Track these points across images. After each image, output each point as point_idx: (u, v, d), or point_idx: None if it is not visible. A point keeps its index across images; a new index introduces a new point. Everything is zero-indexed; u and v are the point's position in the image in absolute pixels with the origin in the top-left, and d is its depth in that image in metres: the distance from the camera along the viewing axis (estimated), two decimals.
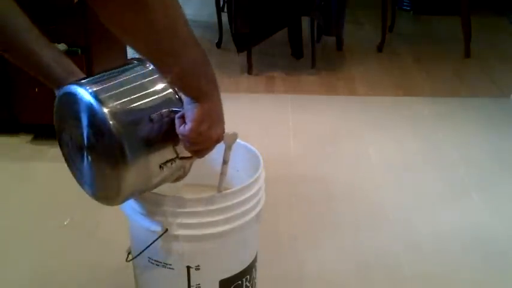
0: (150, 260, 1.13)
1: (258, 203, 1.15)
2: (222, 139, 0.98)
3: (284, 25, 3.19)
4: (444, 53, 3.49)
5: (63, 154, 1.06)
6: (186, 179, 1.09)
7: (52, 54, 1.07)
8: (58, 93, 1.01)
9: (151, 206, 1.08)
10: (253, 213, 1.13)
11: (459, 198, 2.02)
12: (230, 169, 1.13)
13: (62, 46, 2.06)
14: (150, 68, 1.00)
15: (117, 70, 1.02)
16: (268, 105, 2.74)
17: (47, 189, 2.04)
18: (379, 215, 1.92)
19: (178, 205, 1.07)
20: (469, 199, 2.01)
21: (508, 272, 1.67)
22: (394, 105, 2.77)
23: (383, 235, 1.82)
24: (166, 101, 0.98)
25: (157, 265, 1.13)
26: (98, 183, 1.00)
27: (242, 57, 3.12)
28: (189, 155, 1.00)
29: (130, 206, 1.12)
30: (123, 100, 0.95)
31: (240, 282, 1.19)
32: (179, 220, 1.06)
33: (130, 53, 2.92)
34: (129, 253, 1.21)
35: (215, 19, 3.52)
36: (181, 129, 0.92)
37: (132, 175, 0.93)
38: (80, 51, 2.12)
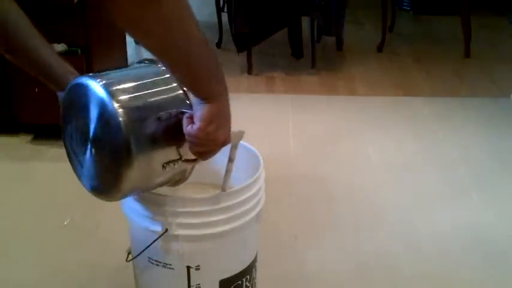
0: (150, 260, 1.13)
1: (258, 203, 1.15)
2: (228, 142, 0.98)
3: (284, 25, 3.19)
4: (444, 53, 3.49)
5: (65, 146, 1.06)
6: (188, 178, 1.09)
7: (52, 55, 1.08)
8: (69, 84, 1.01)
9: (151, 206, 1.08)
10: (253, 213, 1.13)
11: (459, 198, 2.02)
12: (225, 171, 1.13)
13: (62, 46, 2.07)
14: (162, 68, 1.00)
15: (129, 67, 1.02)
16: (268, 105, 2.74)
17: (47, 189, 2.04)
18: (379, 215, 1.92)
19: (178, 205, 1.07)
20: (469, 199, 2.01)
21: (508, 272, 1.67)
22: (394, 105, 2.77)
23: (383, 235, 1.82)
24: (176, 101, 0.98)
25: (157, 265, 1.13)
26: (99, 177, 1.00)
27: (242, 57, 3.12)
28: (192, 157, 1.00)
29: (130, 206, 1.12)
30: (134, 96, 0.95)
31: (240, 282, 1.19)
32: (179, 220, 1.06)
33: (131, 53, 2.93)
34: (129, 253, 1.21)
35: (215, 19, 3.52)
36: (189, 128, 0.92)
37: (135, 171, 0.93)
38: (80, 51, 2.12)
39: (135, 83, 0.98)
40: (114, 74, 0.99)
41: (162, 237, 1.07)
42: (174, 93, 0.99)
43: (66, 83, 1.07)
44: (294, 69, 3.22)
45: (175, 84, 0.99)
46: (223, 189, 1.10)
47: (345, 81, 3.08)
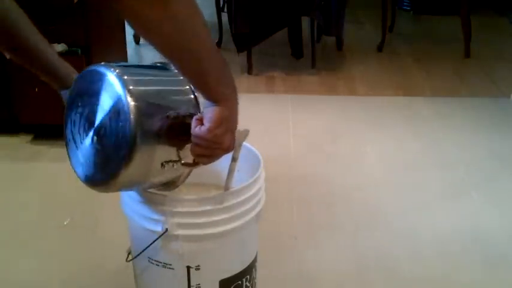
0: (150, 260, 1.13)
1: (258, 203, 1.15)
2: (232, 149, 0.98)
3: (284, 25, 3.19)
4: (444, 53, 3.49)
5: (65, 132, 1.06)
6: (187, 178, 1.09)
7: (54, 53, 1.08)
8: (83, 71, 1.02)
9: (151, 206, 1.08)
10: (253, 213, 1.13)
11: (459, 198, 2.02)
12: (228, 170, 1.13)
13: (62, 46, 2.07)
14: (175, 70, 1.01)
15: (143, 65, 1.03)
16: (268, 105, 2.74)
17: (47, 189, 2.04)
18: (379, 215, 1.92)
19: (178, 205, 1.07)
20: (469, 199, 2.01)
21: (508, 273, 1.67)
22: (394, 105, 2.77)
23: (383, 235, 1.82)
24: (186, 103, 0.99)
25: (157, 265, 1.13)
26: (97, 166, 0.99)
27: (242, 57, 3.12)
28: (191, 162, 1.00)
29: (130, 206, 1.12)
30: (147, 90, 0.96)
31: (240, 282, 1.19)
32: (179, 220, 1.06)
33: (131, 53, 2.93)
34: (129, 253, 1.21)
35: (215, 19, 3.52)
36: (197, 129, 0.92)
37: (135, 165, 0.93)
38: (80, 51, 2.12)
39: (150, 78, 0.99)
40: (130, 67, 1.00)
41: (162, 237, 1.07)
42: (186, 95, 1.00)
43: (70, 80, 1.08)
44: (294, 69, 3.23)
45: (187, 87, 1.00)
46: (226, 189, 1.10)
47: (345, 81, 3.08)
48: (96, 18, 2.23)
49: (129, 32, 2.73)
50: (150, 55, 3.06)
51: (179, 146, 0.98)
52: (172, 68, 1.01)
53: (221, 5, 3.64)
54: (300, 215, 1.91)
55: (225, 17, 3.46)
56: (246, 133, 1.01)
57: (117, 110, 0.93)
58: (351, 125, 2.57)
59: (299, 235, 1.81)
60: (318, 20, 3.09)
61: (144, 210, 1.09)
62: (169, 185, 1.08)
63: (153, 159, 0.96)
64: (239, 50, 3.08)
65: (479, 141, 2.43)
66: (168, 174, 1.03)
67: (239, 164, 1.21)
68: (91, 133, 0.98)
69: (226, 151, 0.97)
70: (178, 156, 0.99)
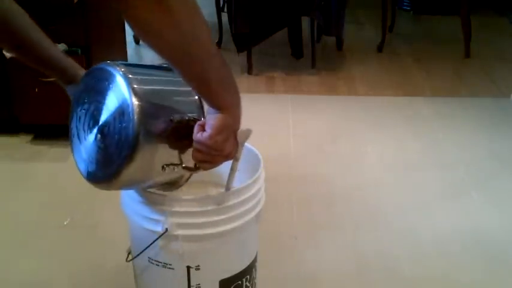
0: (150, 260, 1.13)
1: (258, 203, 1.15)
2: (232, 157, 0.99)
3: (284, 25, 3.19)
4: (444, 53, 3.49)
5: (70, 127, 1.06)
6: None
7: (59, 50, 1.08)
8: (92, 67, 1.02)
9: (151, 206, 1.08)
10: (253, 213, 1.13)
11: (459, 198, 2.02)
12: (229, 169, 1.13)
13: (62, 46, 2.06)
14: None
15: (149, 65, 1.03)
16: (268, 105, 2.74)
17: (47, 189, 2.04)
18: (379, 215, 1.92)
19: (178, 205, 1.07)
20: (469, 199, 2.01)
21: (508, 272, 1.67)
22: (394, 105, 2.77)
23: (383, 235, 1.82)
24: (190, 104, 1.00)
25: (157, 265, 1.13)
26: (99, 163, 1.00)
27: (242, 57, 3.12)
28: (192, 166, 1.00)
29: (131, 206, 1.12)
30: (152, 91, 0.96)
31: (240, 282, 1.19)
32: (179, 220, 1.06)
33: (131, 53, 2.93)
34: (129, 253, 1.21)
35: (215, 19, 3.52)
36: (199, 135, 0.93)
37: (135, 165, 0.94)
38: (80, 51, 2.12)
39: (155, 79, 1.00)
40: (137, 67, 1.00)
41: (162, 237, 1.07)
42: (190, 96, 1.00)
43: (75, 76, 1.08)
44: (294, 69, 3.22)
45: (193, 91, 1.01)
46: (228, 188, 1.10)
47: (345, 81, 3.08)
48: (96, 18, 2.23)
49: (129, 32, 2.73)
50: (150, 55, 3.05)
51: (181, 150, 0.99)
52: None
53: (221, 5, 3.64)
54: (300, 215, 1.91)
55: (225, 17, 3.46)
56: (248, 133, 1.01)
57: (121, 110, 0.93)
58: (351, 125, 2.57)
59: (299, 235, 1.81)
60: (318, 20, 3.09)
61: (144, 210, 1.09)
62: (170, 186, 1.08)
63: (155, 161, 0.97)
64: (239, 50, 3.08)
65: (479, 141, 2.43)
66: (167, 177, 1.03)
67: (239, 164, 1.21)
68: (95, 130, 0.98)
69: (227, 158, 0.98)
70: (180, 159, 0.99)
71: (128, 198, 1.12)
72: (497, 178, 2.16)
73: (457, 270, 1.67)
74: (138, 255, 1.13)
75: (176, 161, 0.99)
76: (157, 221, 1.07)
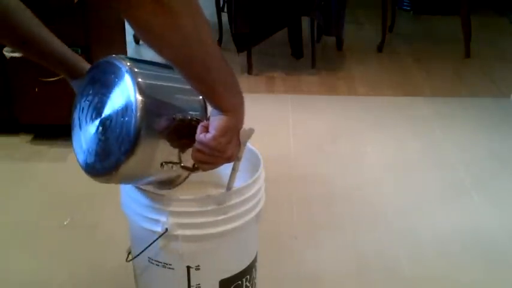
0: (150, 260, 1.13)
1: (258, 203, 1.15)
2: (233, 160, 0.99)
3: (284, 25, 3.19)
4: (444, 53, 3.49)
5: (72, 116, 1.06)
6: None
7: (62, 44, 1.08)
8: (99, 60, 1.03)
9: (151, 206, 1.08)
10: (253, 213, 1.13)
11: (459, 198, 2.02)
12: (229, 169, 1.13)
13: None
14: None
15: (156, 62, 1.03)
16: (268, 105, 2.74)
17: (47, 189, 2.04)
18: (379, 215, 1.92)
19: (178, 205, 1.07)
20: (469, 199, 2.01)
21: (508, 272, 1.67)
22: (394, 105, 2.77)
23: (383, 235, 1.82)
24: (194, 106, 1.00)
25: (157, 265, 1.13)
26: (98, 156, 1.00)
27: (242, 57, 3.12)
28: (190, 166, 1.00)
29: (130, 207, 1.12)
30: (157, 88, 0.97)
31: (240, 282, 1.19)
32: (179, 220, 1.06)
33: (131, 53, 2.92)
34: (129, 253, 1.21)
35: (215, 19, 3.52)
36: (202, 136, 0.92)
37: (134, 161, 0.94)
38: (80, 51, 2.11)
39: (161, 75, 1.00)
40: (144, 63, 1.00)
41: (162, 237, 1.07)
42: (195, 97, 1.01)
43: (80, 70, 1.08)
44: (294, 69, 3.22)
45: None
46: (229, 188, 1.10)
47: (345, 81, 3.07)
48: (96, 18, 2.23)
49: (129, 31, 2.73)
50: (149, 55, 3.02)
51: (181, 149, 0.99)
52: None
53: (221, 5, 3.63)
54: (300, 215, 1.91)
55: (225, 17, 3.46)
56: (250, 132, 1.01)
57: (125, 105, 0.93)
58: (351, 125, 2.57)
59: (299, 235, 1.81)
60: (318, 20, 3.09)
61: (144, 210, 1.09)
62: (167, 184, 1.08)
63: (154, 158, 0.97)
64: (239, 50, 3.08)
65: (479, 141, 2.43)
66: (165, 174, 1.03)
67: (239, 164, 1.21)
68: (97, 122, 0.99)
69: (228, 160, 0.98)
70: (179, 158, 1.00)
71: (128, 198, 1.12)
72: (497, 178, 2.16)
73: (457, 270, 1.67)
74: (138, 255, 1.13)
75: (175, 160, 0.99)
76: (157, 221, 1.07)
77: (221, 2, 3.63)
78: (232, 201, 1.08)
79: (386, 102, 2.82)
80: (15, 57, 2.03)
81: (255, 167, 1.18)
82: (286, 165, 2.22)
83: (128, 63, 0.96)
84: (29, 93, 2.15)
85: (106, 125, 0.97)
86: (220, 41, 3.51)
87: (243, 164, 1.21)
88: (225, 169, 1.20)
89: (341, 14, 3.15)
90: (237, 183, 1.12)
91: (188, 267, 1.12)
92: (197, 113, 1.01)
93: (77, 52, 2.15)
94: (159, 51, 0.82)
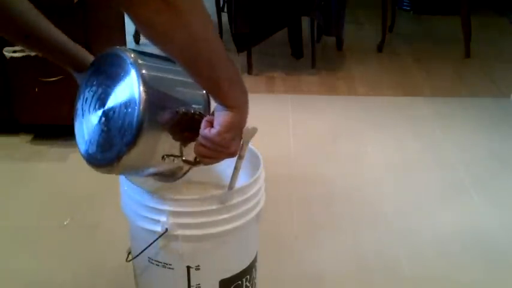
0: (150, 260, 1.13)
1: (258, 203, 1.15)
2: (236, 155, 0.99)
3: (284, 25, 3.19)
4: (444, 53, 3.49)
5: (75, 106, 1.06)
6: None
7: (64, 36, 1.07)
8: (105, 51, 1.02)
9: (151, 206, 1.08)
10: (253, 213, 1.13)
11: (459, 198, 2.02)
12: (230, 169, 1.13)
13: None
14: None
15: (161, 55, 1.03)
16: (268, 105, 2.74)
17: (47, 189, 2.04)
18: (379, 215, 1.92)
19: (178, 205, 1.07)
20: (469, 199, 2.01)
21: (508, 272, 1.67)
22: (394, 105, 2.77)
23: (383, 235, 1.82)
24: (197, 100, 1.00)
25: (157, 265, 1.13)
26: (100, 146, 1.00)
27: (242, 57, 3.12)
28: (191, 160, 1.00)
29: (131, 206, 1.12)
30: (161, 81, 0.96)
31: (240, 282, 1.19)
32: (179, 220, 1.06)
33: None
34: (129, 253, 1.21)
35: (215, 19, 3.52)
36: (206, 131, 0.92)
37: (135, 153, 0.94)
38: None
39: (166, 68, 0.99)
40: (149, 56, 1.00)
41: (162, 237, 1.07)
42: (199, 91, 1.01)
43: (85, 60, 1.07)
44: (294, 69, 3.23)
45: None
46: (231, 187, 1.09)
47: (345, 81, 3.08)
48: (96, 17, 2.23)
49: (129, 32, 2.74)
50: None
51: (183, 142, 0.99)
52: None
53: (221, 5, 3.64)
54: (300, 215, 1.91)
55: (225, 17, 3.46)
56: (254, 131, 1.01)
57: (128, 96, 0.93)
58: (351, 125, 2.57)
59: (299, 235, 1.81)
60: (318, 20, 3.09)
61: (144, 210, 1.09)
62: (168, 176, 1.08)
63: (155, 150, 0.97)
64: (239, 50, 3.08)
65: (479, 141, 2.43)
66: (166, 167, 1.03)
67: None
68: (100, 113, 0.99)
69: (231, 156, 0.98)
70: (181, 152, 1.00)
71: (128, 199, 1.12)
72: (497, 178, 2.16)
73: (457, 270, 1.67)
74: (138, 255, 1.13)
75: (177, 153, 1.00)
76: (157, 221, 1.07)
77: (221, 2, 3.63)
78: (233, 201, 1.08)
79: (386, 102, 2.82)
80: (15, 57, 2.03)
81: (255, 167, 1.18)
82: (286, 165, 2.22)
83: (133, 55, 0.96)
84: (29, 93, 2.15)
85: (109, 116, 0.97)
86: None
87: (243, 164, 1.21)
88: (225, 169, 1.21)
89: (341, 14, 3.15)
90: (238, 183, 1.12)
91: (188, 267, 1.12)
92: (200, 106, 1.01)
93: None
94: (163, 48, 0.82)
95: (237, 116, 0.92)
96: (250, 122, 0.99)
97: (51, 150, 2.24)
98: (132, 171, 1.05)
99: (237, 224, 1.10)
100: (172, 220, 1.06)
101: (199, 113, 0.98)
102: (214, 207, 1.07)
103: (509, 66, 3.27)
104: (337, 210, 1.95)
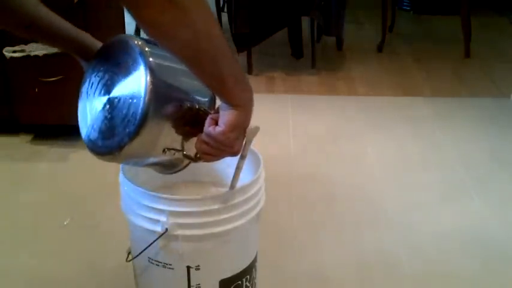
0: (150, 260, 1.13)
1: (258, 203, 1.15)
2: (238, 154, 0.99)
3: (284, 25, 3.19)
4: (444, 53, 3.49)
5: (81, 89, 1.06)
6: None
7: (71, 25, 1.07)
8: (114, 38, 1.03)
9: (151, 206, 1.08)
10: (253, 213, 1.13)
11: (459, 198, 2.02)
12: (229, 169, 1.13)
13: None
14: None
15: None
16: (268, 105, 2.74)
17: (47, 189, 2.03)
18: (379, 215, 1.92)
19: (178, 205, 1.07)
20: (469, 199, 2.01)
21: (508, 272, 1.67)
22: (394, 105, 2.77)
23: (383, 235, 1.82)
24: (203, 94, 1.00)
25: (157, 265, 1.13)
26: (101, 133, 0.99)
27: (242, 57, 3.12)
28: (192, 155, 1.00)
29: (131, 206, 1.12)
30: (168, 72, 0.96)
31: (240, 282, 1.19)
32: (179, 220, 1.06)
33: None
34: (129, 253, 1.21)
35: None
36: (211, 129, 0.93)
37: (136, 144, 0.94)
38: None
39: (171, 57, 0.98)
40: (155, 45, 0.99)
41: (162, 237, 1.07)
42: (205, 90, 1.00)
43: (90, 46, 1.07)
44: (294, 69, 3.22)
45: None
46: (232, 187, 1.09)
47: (345, 81, 3.08)
48: (96, 18, 2.23)
49: (129, 31, 2.73)
50: None
51: (185, 137, 0.99)
52: None
53: (221, 5, 3.64)
54: (300, 215, 1.91)
55: (225, 17, 3.46)
56: (256, 130, 1.01)
57: (134, 86, 0.93)
58: (351, 125, 2.57)
59: (299, 235, 1.81)
60: (318, 20, 3.09)
61: (144, 210, 1.09)
62: (168, 168, 1.08)
63: (157, 143, 0.97)
64: (239, 50, 3.07)
65: (479, 141, 2.43)
66: (167, 160, 1.03)
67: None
68: (105, 100, 0.99)
69: (234, 155, 0.98)
70: (182, 146, 0.99)
71: (128, 199, 1.12)
72: (497, 178, 2.16)
73: (457, 269, 1.67)
74: (138, 255, 1.13)
75: (178, 147, 1.00)
76: (157, 221, 1.07)
77: (221, 2, 3.63)
78: (233, 201, 1.08)
79: (386, 102, 2.82)
80: (15, 57, 2.03)
81: (255, 166, 1.18)
82: (286, 165, 2.22)
83: (140, 43, 0.96)
84: (29, 93, 2.15)
85: (114, 104, 0.97)
86: None
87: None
88: (224, 168, 1.21)
89: (341, 14, 3.15)
90: (238, 183, 1.12)
91: (188, 267, 1.12)
92: (205, 99, 1.00)
93: None
94: (167, 47, 0.82)
95: (242, 115, 0.92)
96: (251, 121, 0.99)
97: (51, 150, 2.24)
98: (132, 160, 1.05)
99: (237, 224, 1.10)
100: (172, 220, 1.06)
101: (204, 109, 0.98)
102: (214, 207, 1.07)
103: (509, 66, 3.27)
104: (337, 210, 1.95)
